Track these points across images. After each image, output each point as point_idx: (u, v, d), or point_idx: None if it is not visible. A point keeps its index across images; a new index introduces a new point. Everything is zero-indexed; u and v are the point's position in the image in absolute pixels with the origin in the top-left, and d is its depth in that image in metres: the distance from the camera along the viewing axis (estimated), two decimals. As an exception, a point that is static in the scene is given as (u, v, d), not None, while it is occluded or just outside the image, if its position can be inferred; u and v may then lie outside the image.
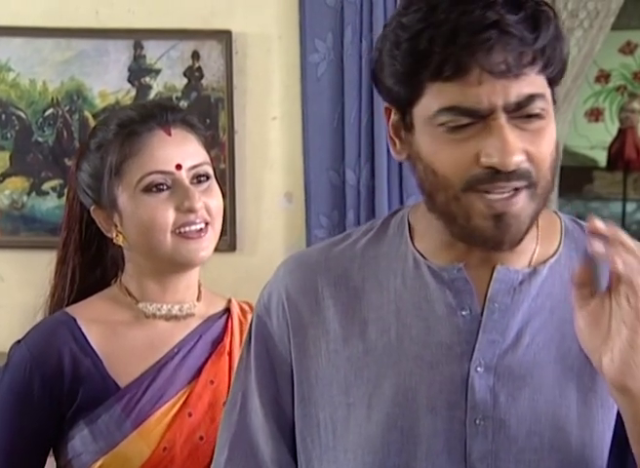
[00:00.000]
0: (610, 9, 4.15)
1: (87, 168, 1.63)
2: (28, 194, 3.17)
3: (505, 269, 1.26)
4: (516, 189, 1.19)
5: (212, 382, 1.61)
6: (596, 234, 1.12)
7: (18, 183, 3.17)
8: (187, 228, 1.57)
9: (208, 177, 1.61)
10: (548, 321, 1.27)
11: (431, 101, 1.19)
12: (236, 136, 3.09)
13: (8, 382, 1.60)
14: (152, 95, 3.10)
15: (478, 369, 1.25)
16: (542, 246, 1.30)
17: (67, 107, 3.13)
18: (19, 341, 1.63)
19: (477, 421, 1.24)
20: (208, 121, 3.08)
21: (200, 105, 3.09)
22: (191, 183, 1.59)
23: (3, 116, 3.12)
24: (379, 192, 2.95)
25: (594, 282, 1.15)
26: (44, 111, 3.14)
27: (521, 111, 1.18)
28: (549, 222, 1.33)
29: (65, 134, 3.15)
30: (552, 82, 1.22)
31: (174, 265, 1.61)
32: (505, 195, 1.19)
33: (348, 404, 1.29)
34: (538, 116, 1.19)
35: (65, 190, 3.13)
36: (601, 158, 6.45)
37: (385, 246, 1.33)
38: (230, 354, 1.63)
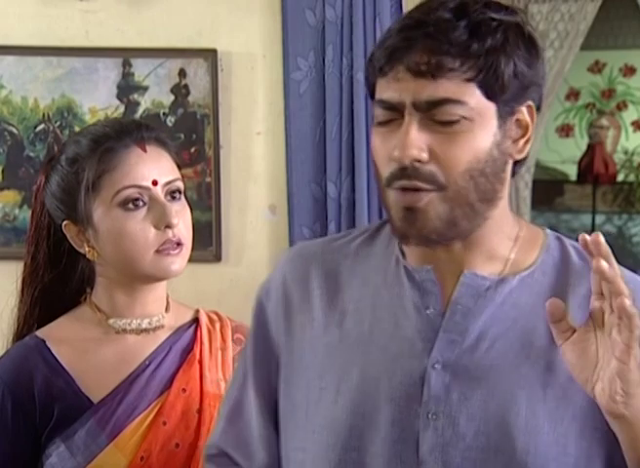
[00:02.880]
0: (579, 30, 4.18)
1: (59, 182, 1.60)
2: (20, 207, 3.16)
3: (473, 274, 1.28)
4: (419, 189, 1.20)
5: (184, 390, 1.59)
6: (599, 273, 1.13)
7: (10, 197, 3.17)
8: (166, 245, 1.56)
9: (180, 192, 1.61)
10: (510, 329, 1.27)
11: (376, 96, 1.24)
12: (221, 151, 3.10)
13: None
14: (140, 111, 3.11)
15: (436, 365, 1.26)
16: (518, 257, 1.31)
17: (58, 123, 3.13)
18: None
19: (429, 415, 1.25)
20: (194, 136, 3.10)
21: (186, 121, 3.10)
22: (166, 199, 1.58)
23: (-5, 132, 3.12)
24: (359, 205, 2.97)
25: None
26: (35, 127, 3.14)
27: (432, 113, 1.18)
28: (532, 236, 1.33)
29: (56, 149, 3.10)
30: (490, 95, 1.20)
31: (148, 279, 1.59)
32: (410, 193, 1.21)
33: (321, 388, 1.31)
34: (451, 122, 1.19)
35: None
36: (571, 172, 6.48)
37: (377, 245, 1.36)
38: (201, 362, 1.63)
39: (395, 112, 1.21)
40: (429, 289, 1.28)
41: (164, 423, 1.56)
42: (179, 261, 1.57)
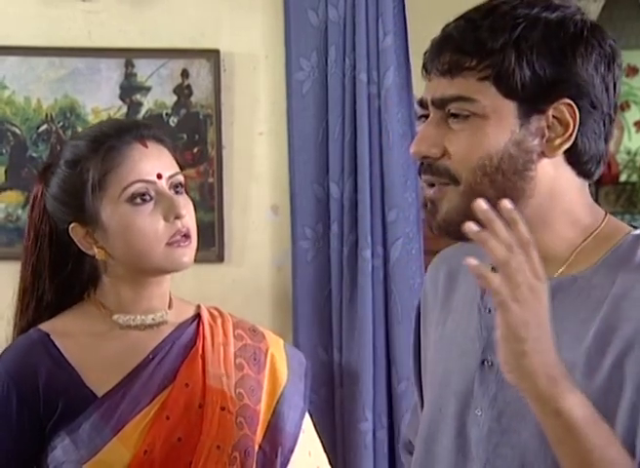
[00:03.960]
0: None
1: (62, 185, 1.60)
2: (23, 207, 3.13)
3: None
4: (434, 184, 1.24)
5: (187, 385, 1.60)
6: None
7: (12, 197, 3.15)
8: (177, 237, 1.57)
9: (182, 186, 1.62)
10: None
11: None
12: (224, 151, 3.09)
13: None
14: (143, 111, 3.10)
15: (485, 363, 1.29)
16: (579, 258, 1.27)
17: (61, 124, 3.12)
18: None
19: (476, 411, 1.29)
20: (197, 136, 3.08)
21: (189, 122, 3.08)
22: (171, 191, 1.60)
23: (-1, 132, 3.11)
24: (361, 205, 2.94)
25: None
26: (38, 127, 3.12)
27: (447, 110, 1.22)
28: (610, 235, 1.28)
29: (59, 149, 3.11)
30: (507, 93, 1.20)
31: (159, 272, 1.60)
32: (429, 187, 1.25)
33: (426, 383, 1.45)
34: (459, 116, 1.21)
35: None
36: (574, 172, 6.45)
37: None
38: (203, 357, 1.63)
39: (426, 109, 1.26)
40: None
41: (167, 418, 1.57)
42: (189, 253, 1.58)
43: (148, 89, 3.09)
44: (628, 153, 6.41)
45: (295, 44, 3.00)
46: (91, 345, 1.61)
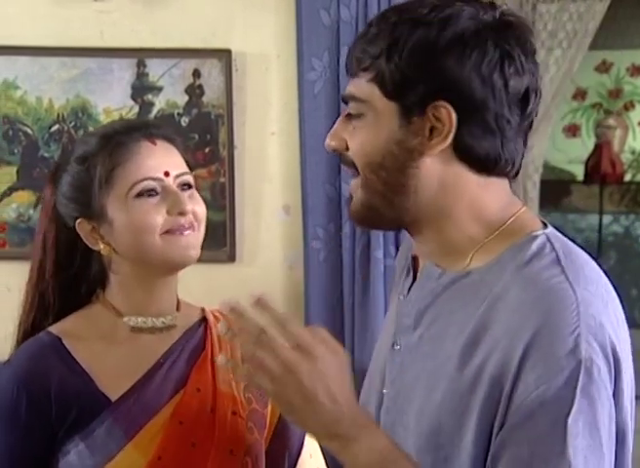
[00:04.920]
0: (587, 29, 4.15)
1: (70, 182, 1.59)
2: (35, 207, 3.13)
3: (430, 265, 1.33)
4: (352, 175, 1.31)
5: (198, 390, 1.58)
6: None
7: (24, 197, 3.15)
8: (177, 232, 1.55)
9: (190, 187, 1.61)
10: (434, 325, 1.30)
11: None
12: (235, 152, 3.07)
13: None
14: (154, 111, 3.09)
15: (394, 345, 1.34)
16: (482, 254, 1.28)
17: (73, 123, 3.11)
18: (3, 365, 1.59)
19: (384, 390, 1.35)
20: (208, 137, 3.07)
21: (201, 121, 3.07)
22: (177, 189, 1.58)
23: (10, 132, 3.10)
24: (373, 205, 2.92)
25: None
26: (50, 127, 3.11)
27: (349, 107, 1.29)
28: (511, 233, 1.28)
29: (71, 149, 3.10)
30: (388, 95, 1.24)
31: (165, 267, 1.58)
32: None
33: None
34: (351, 115, 1.27)
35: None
36: (578, 172, 6.44)
37: None
38: (212, 362, 1.61)
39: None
40: (406, 277, 1.39)
41: (180, 423, 1.55)
42: (191, 243, 1.56)
43: (160, 89, 3.08)
44: (633, 153, 6.36)
45: (306, 44, 2.99)
46: (102, 349, 1.58)
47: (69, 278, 1.63)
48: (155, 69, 3.07)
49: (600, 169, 6.27)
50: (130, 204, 1.55)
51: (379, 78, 1.24)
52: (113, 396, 1.54)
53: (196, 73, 3.06)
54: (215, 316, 1.68)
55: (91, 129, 3.07)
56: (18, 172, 3.11)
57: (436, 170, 1.26)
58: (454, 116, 1.22)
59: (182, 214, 1.55)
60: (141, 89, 3.08)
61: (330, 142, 1.30)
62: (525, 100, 1.25)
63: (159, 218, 1.54)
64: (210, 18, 3.05)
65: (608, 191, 6.32)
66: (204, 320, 1.67)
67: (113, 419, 1.52)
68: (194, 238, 1.57)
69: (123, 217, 1.55)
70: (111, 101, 3.09)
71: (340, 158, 1.33)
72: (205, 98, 3.07)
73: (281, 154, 3.09)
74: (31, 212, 3.13)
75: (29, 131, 3.10)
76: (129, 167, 1.55)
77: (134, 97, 3.09)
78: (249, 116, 3.07)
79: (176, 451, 1.53)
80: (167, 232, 1.54)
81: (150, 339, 1.60)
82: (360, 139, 1.27)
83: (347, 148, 1.28)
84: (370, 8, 2.91)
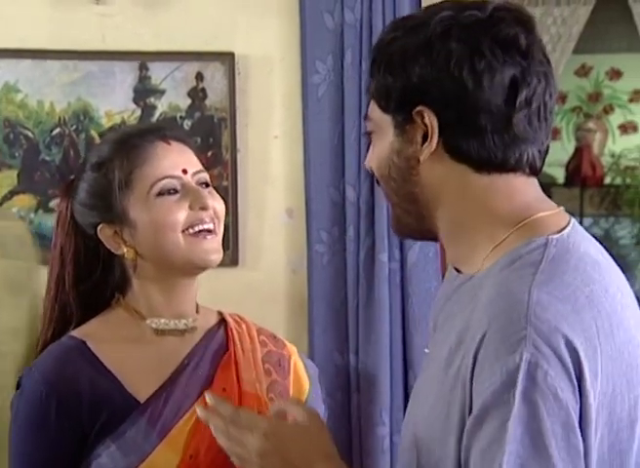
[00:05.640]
0: (571, 33, 4.18)
1: (88, 189, 1.61)
2: (35, 211, 3.10)
3: (451, 270, 1.35)
4: None
5: (224, 390, 1.60)
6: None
7: (25, 201, 3.10)
8: (199, 227, 1.57)
9: (208, 185, 1.63)
10: (444, 328, 1.32)
11: None
12: (239, 155, 3.05)
13: (23, 411, 1.56)
14: (157, 115, 3.07)
15: (426, 350, 1.40)
16: (490, 259, 1.27)
17: (74, 127, 3.08)
18: (28, 370, 1.59)
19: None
20: (211, 140, 3.05)
21: (203, 125, 3.05)
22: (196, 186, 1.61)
23: (11, 135, 3.06)
24: (378, 209, 2.92)
25: None
26: (51, 131, 3.08)
27: None
28: (519, 237, 1.27)
29: (72, 152, 3.09)
30: (382, 108, 1.29)
31: (188, 268, 1.59)
32: None
33: None
34: (369, 133, 1.33)
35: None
36: (559, 175, 6.49)
37: None
38: (237, 363, 1.64)
39: None
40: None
41: None
42: (215, 248, 1.58)
43: (163, 92, 3.06)
44: (612, 156, 6.41)
45: (310, 47, 2.97)
46: (126, 351, 1.60)
47: (90, 287, 1.64)
48: (157, 72, 3.04)
49: (580, 172, 6.32)
50: (151, 203, 1.56)
51: (374, 94, 1.30)
52: (141, 397, 1.55)
53: (199, 76, 3.04)
54: (234, 319, 1.70)
55: (93, 132, 3.06)
56: (18, 175, 3.07)
57: (435, 175, 1.27)
58: (434, 119, 1.24)
59: (204, 208, 1.57)
60: (144, 92, 3.06)
61: (366, 166, 1.36)
62: (513, 90, 1.23)
63: (181, 214, 1.56)
64: (212, 20, 3.03)
65: (588, 194, 6.36)
66: (223, 322, 1.68)
67: (144, 419, 1.53)
68: (216, 242, 1.58)
69: (145, 217, 1.56)
70: (113, 105, 3.06)
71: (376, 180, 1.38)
72: (208, 102, 3.05)
73: (284, 157, 3.07)
74: (32, 215, 3.09)
75: (30, 134, 3.07)
76: (147, 167, 1.57)
77: (136, 101, 3.06)
78: (252, 119, 3.05)
79: (207, 451, 1.54)
80: (189, 229, 1.55)
81: (173, 341, 1.61)
82: (373, 155, 1.32)
83: None
84: (374, 11, 2.90)
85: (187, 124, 3.04)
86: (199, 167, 1.62)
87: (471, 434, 1.14)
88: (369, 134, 1.33)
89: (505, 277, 1.20)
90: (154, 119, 3.06)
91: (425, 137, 1.25)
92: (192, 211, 1.56)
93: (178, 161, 1.58)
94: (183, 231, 1.55)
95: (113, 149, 1.59)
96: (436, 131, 1.24)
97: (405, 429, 1.33)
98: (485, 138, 1.23)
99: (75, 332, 1.60)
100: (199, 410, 1.37)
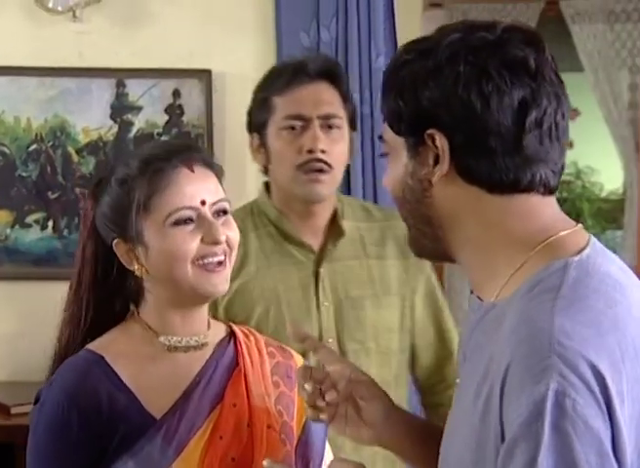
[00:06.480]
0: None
1: (110, 203, 1.62)
2: (12, 227, 3.11)
3: (474, 297, 1.31)
4: None
5: (234, 405, 1.60)
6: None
7: (2, 216, 3.12)
8: (209, 260, 1.57)
9: (226, 213, 1.62)
10: (472, 357, 1.28)
11: None
12: (215, 171, 3.04)
13: (44, 424, 1.56)
14: (134, 131, 3.08)
15: (457, 380, 1.36)
16: (511, 284, 1.23)
17: (51, 143, 3.09)
18: (48, 384, 1.59)
19: None
20: (188, 156, 3.04)
21: (180, 141, 3.05)
22: (213, 217, 1.59)
23: (-12, 152, 3.07)
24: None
25: None
26: (28, 147, 3.09)
27: None
28: (540, 261, 1.23)
29: (49, 169, 3.10)
30: (395, 131, 1.30)
31: (195, 297, 1.60)
32: None
33: None
34: (384, 155, 1.35)
35: (49, 223, 3.15)
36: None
37: None
38: (246, 377, 1.64)
39: None
40: None
41: (220, 438, 1.57)
42: (222, 280, 1.58)
43: (140, 108, 3.07)
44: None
45: (286, 65, 2.97)
46: (141, 367, 1.60)
47: (106, 292, 1.65)
48: (135, 89, 3.06)
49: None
50: (166, 231, 1.56)
51: (387, 117, 1.29)
52: (155, 413, 1.56)
53: (176, 93, 3.06)
54: (243, 332, 1.71)
55: (70, 148, 3.07)
56: (-5, 191, 3.09)
57: (448, 197, 1.26)
58: (444, 141, 1.23)
59: (216, 243, 1.57)
60: (121, 108, 3.07)
61: (384, 184, 1.36)
62: (522, 112, 1.22)
63: (193, 246, 1.56)
64: (189, 38, 3.05)
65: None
66: (232, 335, 1.69)
67: (160, 436, 1.54)
68: (224, 274, 1.58)
69: (158, 244, 1.56)
70: (90, 121, 3.08)
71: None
72: (185, 118, 3.07)
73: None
74: (8, 231, 3.11)
75: (7, 150, 3.08)
76: (167, 195, 1.56)
77: (113, 117, 3.08)
78: (229, 136, 3.06)
79: (219, 466, 1.56)
80: (199, 260, 1.56)
81: (185, 357, 1.62)
82: (389, 177, 1.32)
83: None
84: (350, 30, 2.92)
85: (164, 140, 3.04)
86: (219, 195, 1.60)
87: (503, 466, 1.11)
88: (384, 155, 1.33)
89: (525, 304, 1.17)
90: (131, 135, 3.07)
91: (437, 160, 1.24)
92: (204, 244, 1.56)
93: (199, 190, 1.57)
94: (193, 262, 1.56)
95: (138, 169, 1.58)
96: (447, 153, 1.23)
97: (443, 463, 1.29)
98: (496, 160, 1.22)
99: (92, 346, 1.61)
100: (265, 463, 1.44)
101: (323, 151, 2.00)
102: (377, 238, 2.12)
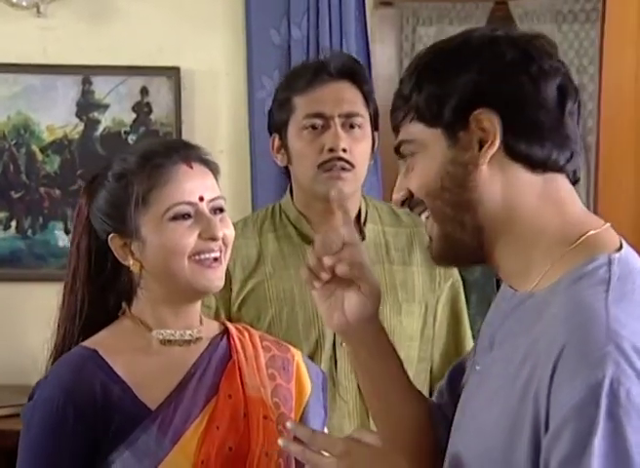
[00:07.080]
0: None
1: (107, 197, 1.62)
2: (-23, 225, 3.04)
3: (506, 287, 1.32)
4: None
5: (230, 396, 1.62)
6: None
7: (-35, 215, 3.05)
8: (205, 255, 1.58)
9: (222, 210, 1.64)
10: (504, 346, 1.29)
11: None
12: (184, 170, 3.01)
13: (40, 418, 1.56)
14: (100, 129, 3.02)
15: (477, 367, 1.34)
16: (551, 273, 1.25)
17: (14, 141, 3.02)
18: (43, 380, 1.60)
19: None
20: (156, 155, 3.00)
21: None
22: (210, 214, 1.61)
23: (-50, 150, 2.99)
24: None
25: None
26: (-10, 145, 3.02)
27: (399, 154, 1.35)
28: (584, 253, 1.25)
29: (12, 167, 3.04)
30: (429, 123, 1.29)
31: (190, 292, 1.61)
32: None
33: None
34: (406, 156, 1.32)
35: (13, 222, 3.08)
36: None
37: None
38: (240, 370, 1.66)
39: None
40: None
41: (217, 428, 1.60)
42: (218, 276, 1.59)
43: (106, 106, 3.02)
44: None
45: (256, 62, 2.97)
46: (135, 360, 1.62)
47: (99, 288, 1.65)
48: (101, 87, 3.01)
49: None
50: (164, 226, 1.57)
51: (417, 113, 1.27)
52: (151, 405, 1.58)
53: (144, 91, 3.01)
54: (236, 328, 1.73)
55: (34, 147, 3.00)
56: (-42, 190, 3.01)
57: (494, 179, 1.26)
58: (496, 120, 1.24)
59: (214, 239, 1.58)
60: (87, 106, 3.01)
61: (396, 196, 1.33)
62: (562, 98, 1.26)
63: (190, 241, 1.57)
64: (158, 35, 3.00)
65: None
66: (226, 331, 1.71)
67: (156, 426, 1.56)
68: (220, 270, 1.60)
69: (156, 239, 1.58)
70: (55, 119, 3.01)
71: (409, 207, 1.34)
72: (153, 116, 3.02)
73: (230, 173, 3.04)
74: (-28, 228, 3.03)
75: (-31, 148, 3.00)
76: (166, 190, 1.58)
77: (79, 115, 3.02)
78: (197, 134, 3.02)
79: (216, 456, 1.57)
80: (196, 256, 1.57)
81: (179, 351, 1.64)
82: (417, 174, 1.29)
83: (412, 194, 1.31)
84: (321, 28, 2.90)
85: (132, 138, 3.01)
86: (216, 193, 1.63)
87: (550, 446, 1.12)
88: (407, 156, 1.30)
89: (578, 292, 1.18)
90: (98, 133, 3.02)
91: (481, 143, 1.24)
92: (201, 239, 1.58)
93: (197, 186, 1.59)
94: (190, 257, 1.57)
95: (137, 164, 1.59)
96: (499, 132, 1.23)
97: (460, 445, 1.30)
98: (544, 136, 1.24)
99: (86, 343, 1.62)
100: (280, 441, 1.38)
101: (344, 150, 1.96)
102: (403, 243, 2.09)
